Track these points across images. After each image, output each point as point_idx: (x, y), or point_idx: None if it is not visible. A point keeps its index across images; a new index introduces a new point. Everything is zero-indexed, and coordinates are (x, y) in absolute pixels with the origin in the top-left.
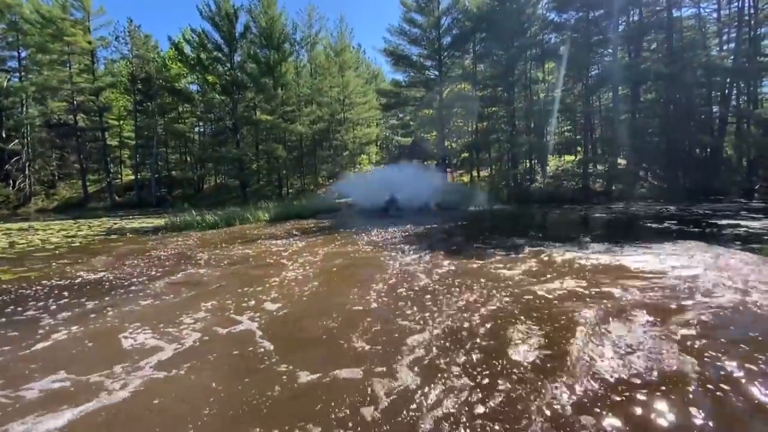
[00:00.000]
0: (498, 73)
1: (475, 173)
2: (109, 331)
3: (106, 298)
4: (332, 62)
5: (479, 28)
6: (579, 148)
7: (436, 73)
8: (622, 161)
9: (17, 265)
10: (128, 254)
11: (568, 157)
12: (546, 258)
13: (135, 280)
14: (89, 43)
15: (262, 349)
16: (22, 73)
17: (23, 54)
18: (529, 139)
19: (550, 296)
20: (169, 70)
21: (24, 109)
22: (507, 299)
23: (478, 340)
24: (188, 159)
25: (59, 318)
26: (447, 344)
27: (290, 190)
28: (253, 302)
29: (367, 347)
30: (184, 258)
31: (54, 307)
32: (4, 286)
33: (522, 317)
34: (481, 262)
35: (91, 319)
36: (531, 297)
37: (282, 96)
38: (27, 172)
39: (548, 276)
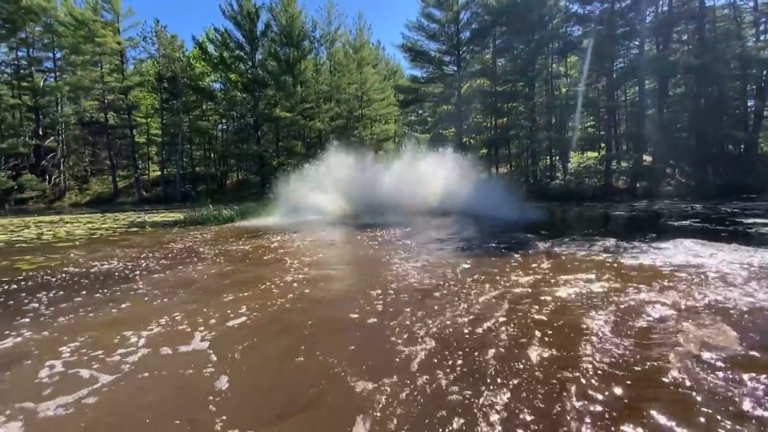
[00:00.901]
0: (518, 67)
1: (493, 170)
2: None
3: (77, 297)
4: (351, 59)
5: (499, 21)
6: (602, 144)
7: (455, 68)
8: (647, 158)
9: (34, 254)
10: (138, 247)
11: (591, 154)
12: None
13: (125, 274)
14: (118, 43)
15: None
16: (57, 74)
17: (58, 55)
18: (549, 135)
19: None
20: (193, 69)
21: (59, 107)
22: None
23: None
24: (212, 155)
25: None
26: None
27: None
28: (225, 312)
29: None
30: (188, 253)
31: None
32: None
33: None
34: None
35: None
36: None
37: (301, 93)
38: (62, 167)
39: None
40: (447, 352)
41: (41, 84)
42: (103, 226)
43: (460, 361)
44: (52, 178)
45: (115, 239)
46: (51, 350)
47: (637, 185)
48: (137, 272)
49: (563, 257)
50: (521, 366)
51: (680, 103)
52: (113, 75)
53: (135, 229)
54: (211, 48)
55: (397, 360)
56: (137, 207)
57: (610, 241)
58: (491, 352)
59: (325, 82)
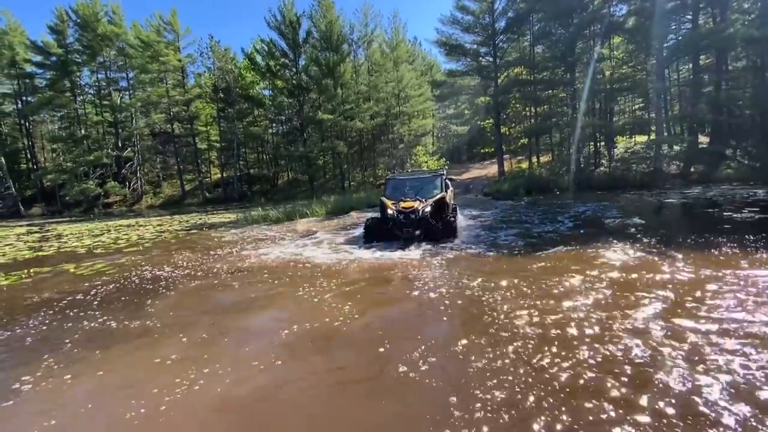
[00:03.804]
0: (557, 53)
1: (534, 159)
2: None
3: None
4: (387, 58)
5: (536, 7)
6: (652, 128)
7: (491, 59)
8: (703, 139)
9: (103, 257)
10: (186, 253)
11: (640, 138)
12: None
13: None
14: (179, 60)
15: None
16: (131, 91)
17: (130, 75)
18: (592, 121)
19: None
20: (244, 79)
21: (134, 121)
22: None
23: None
24: (264, 158)
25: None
26: None
27: (352, 183)
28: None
29: None
30: (226, 263)
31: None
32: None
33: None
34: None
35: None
36: None
37: (341, 95)
38: (138, 174)
39: None
40: None
41: (118, 101)
42: (169, 228)
43: None
44: (131, 184)
45: (170, 245)
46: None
47: (692, 170)
48: (150, 299)
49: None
50: None
51: (741, 78)
52: (176, 89)
53: (194, 231)
54: (258, 58)
55: None
56: (201, 208)
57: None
58: None
59: (364, 83)
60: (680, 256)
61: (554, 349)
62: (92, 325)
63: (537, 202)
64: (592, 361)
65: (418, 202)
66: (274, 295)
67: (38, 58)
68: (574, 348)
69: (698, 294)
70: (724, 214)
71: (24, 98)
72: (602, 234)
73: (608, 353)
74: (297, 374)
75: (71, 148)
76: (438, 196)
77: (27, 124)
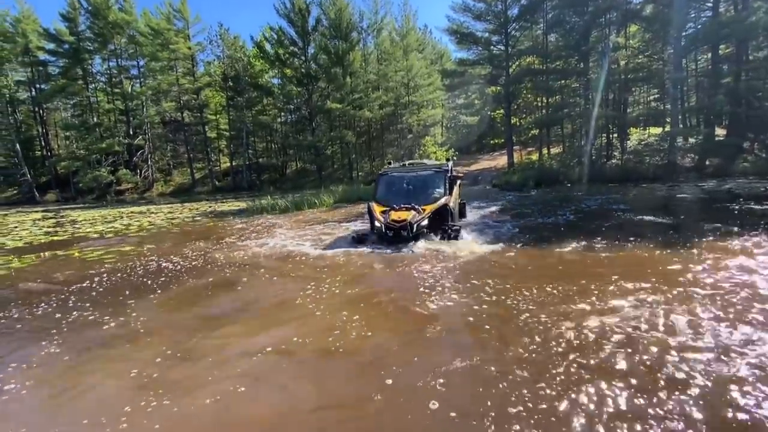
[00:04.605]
0: (571, 42)
1: (545, 151)
2: None
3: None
4: (397, 47)
5: None
6: (667, 120)
7: (502, 47)
8: (720, 132)
9: (112, 244)
10: (195, 241)
11: (654, 130)
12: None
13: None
14: (189, 48)
15: None
16: (141, 79)
17: (141, 63)
18: (605, 112)
19: None
20: (253, 67)
21: (144, 109)
22: None
23: None
24: (273, 147)
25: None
26: None
27: (360, 173)
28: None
29: None
30: (228, 255)
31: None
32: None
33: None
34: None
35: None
36: None
37: (350, 84)
38: (149, 162)
39: None
40: None
41: (129, 89)
42: (180, 215)
43: None
44: (142, 172)
45: (179, 230)
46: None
47: (707, 162)
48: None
49: None
50: None
51: (762, 68)
52: (186, 78)
53: (203, 218)
54: (267, 46)
55: None
56: (211, 196)
57: None
58: None
59: (373, 71)
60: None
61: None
62: (71, 321)
63: (547, 194)
64: None
65: (412, 211)
66: (272, 298)
67: (51, 46)
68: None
69: None
70: (745, 206)
71: (38, 86)
72: (603, 228)
73: None
74: (266, 411)
75: (84, 135)
76: (439, 203)
77: (41, 111)
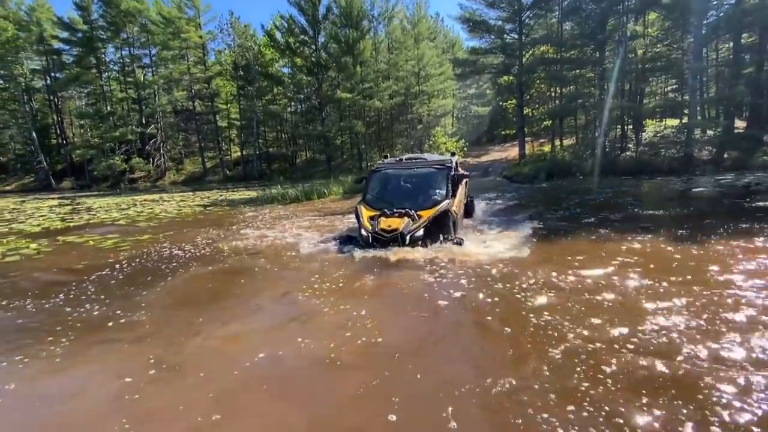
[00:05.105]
0: (587, 30)
1: (557, 142)
2: None
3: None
4: (408, 35)
5: None
6: (685, 111)
7: (516, 36)
8: (739, 124)
9: (128, 232)
10: (209, 228)
11: (671, 122)
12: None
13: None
14: (200, 37)
15: None
16: (153, 68)
17: (153, 51)
18: (621, 102)
19: None
20: (263, 56)
21: (156, 98)
22: None
23: None
24: (283, 137)
25: None
26: None
27: (370, 164)
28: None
29: None
30: (236, 246)
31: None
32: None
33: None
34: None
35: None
36: None
37: (361, 73)
38: (162, 151)
39: None
40: None
41: (142, 78)
42: (191, 203)
43: None
44: (155, 160)
45: (191, 220)
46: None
47: (725, 155)
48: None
49: None
50: None
51: None
52: (197, 66)
53: (213, 207)
54: (278, 35)
55: None
56: (222, 185)
57: None
58: None
59: (383, 60)
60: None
61: None
62: (69, 319)
63: (557, 186)
64: None
65: (405, 218)
66: (274, 296)
67: (65, 35)
68: None
69: None
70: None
71: (52, 74)
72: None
73: None
74: None
75: (98, 124)
76: (439, 207)
77: (56, 100)
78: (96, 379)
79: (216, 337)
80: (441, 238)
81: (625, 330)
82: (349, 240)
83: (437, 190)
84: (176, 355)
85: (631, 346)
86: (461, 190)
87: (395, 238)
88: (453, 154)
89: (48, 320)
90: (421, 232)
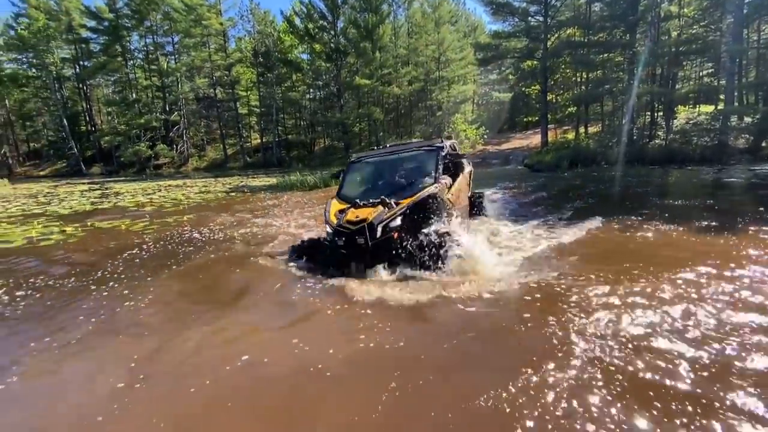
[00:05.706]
0: (617, 11)
1: (582, 130)
2: None
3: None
4: (428, 18)
5: None
6: (721, 97)
7: (541, 18)
8: None
9: (154, 216)
10: (229, 213)
11: (705, 108)
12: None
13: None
14: (221, 24)
15: None
16: (176, 56)
17: (176, 39)
18: (651, 88)
19: None
20: (283, 43)
21: (179, 86)
22: None
23: None
24: (301, 124)
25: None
26: None
27: None
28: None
29: None
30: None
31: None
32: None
33: None
34: None
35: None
36: None
37: (380, 59)
38: (185, 138)
39: None
40: None
41: (165, 66)
42: (213, 189)
43: None
44: (178, 147)
45: (214, 205)
46: None
47: (763, 144)
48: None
49: None
50: None
51: None
52: (218, 54)
53: (234, 193)
54: (297, 21)
55: None
56: (242, 171)
57: None
58: None
59: (403, 46)
60: None
61: None
62: (78, 307)
63: (580, 175)
64: None
65: (379, 207)
66: (280, 292)
67: (92, 23)
68: None
69: None
70: None
71: (81, 63)
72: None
73: None
74: None
75: (124, 111)
76: (421, 193)
77: (85, 87)
78: (79, 382)
79: (215, 332)
80: (425, 240)
81: None
82: (309, 249)
83: (425, 176)
84: (170, 360)
85: None
86: (462, 179)
87: (362, 231)
88: (449, 138)
89: (55, 309)
90: (397, 222)
